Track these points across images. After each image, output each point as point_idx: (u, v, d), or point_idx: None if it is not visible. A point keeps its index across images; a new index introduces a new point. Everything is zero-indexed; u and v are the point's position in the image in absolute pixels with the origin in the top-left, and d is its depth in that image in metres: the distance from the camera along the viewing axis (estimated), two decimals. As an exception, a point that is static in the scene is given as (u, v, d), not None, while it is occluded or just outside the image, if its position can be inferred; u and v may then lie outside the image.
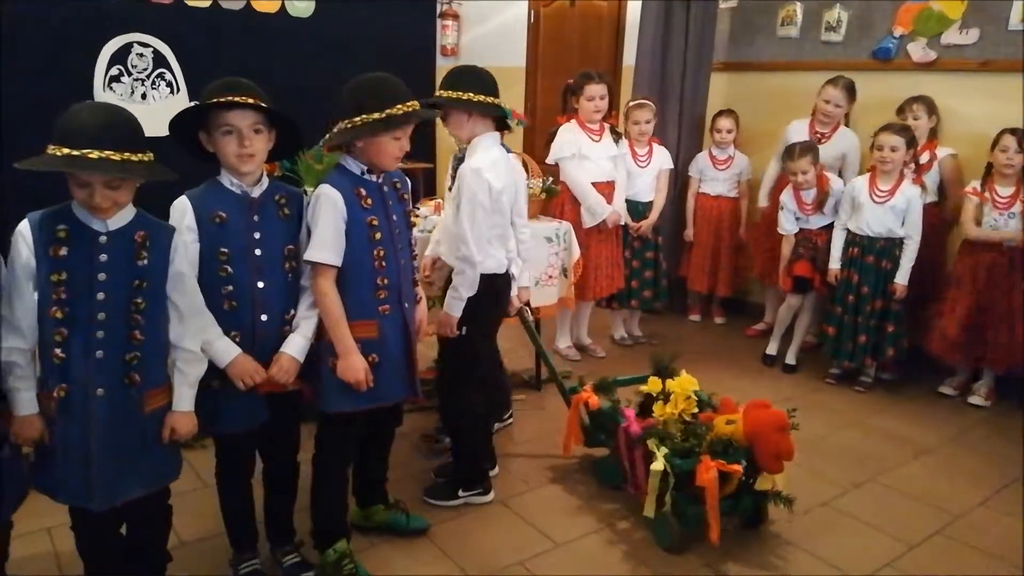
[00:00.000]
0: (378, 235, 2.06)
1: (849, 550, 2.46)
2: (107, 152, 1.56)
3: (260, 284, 1.94)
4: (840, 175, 4.02)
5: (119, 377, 1.67)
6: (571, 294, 3.64)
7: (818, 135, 4.09)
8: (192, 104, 1.84)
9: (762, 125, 4.56)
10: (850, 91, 4.02)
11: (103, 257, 1.66)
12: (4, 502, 1.71)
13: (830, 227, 3.86)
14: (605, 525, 2.55)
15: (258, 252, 1.93)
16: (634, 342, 4.39)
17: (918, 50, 4.01)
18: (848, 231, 3.74)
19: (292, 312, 2.01)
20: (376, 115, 1.97)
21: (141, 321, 1.68)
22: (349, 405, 2.09)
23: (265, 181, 1.97)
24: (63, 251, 1.63)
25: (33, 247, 1.63)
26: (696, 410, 2.56)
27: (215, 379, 1.90)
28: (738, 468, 2.36)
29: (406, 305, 2.14)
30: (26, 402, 1.67)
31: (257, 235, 1.94)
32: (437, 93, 2.49)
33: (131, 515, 1.83)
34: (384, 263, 2.08)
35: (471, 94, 2.40)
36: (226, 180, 1.92)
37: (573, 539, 2.47)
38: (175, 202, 1.88)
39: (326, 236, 1.97)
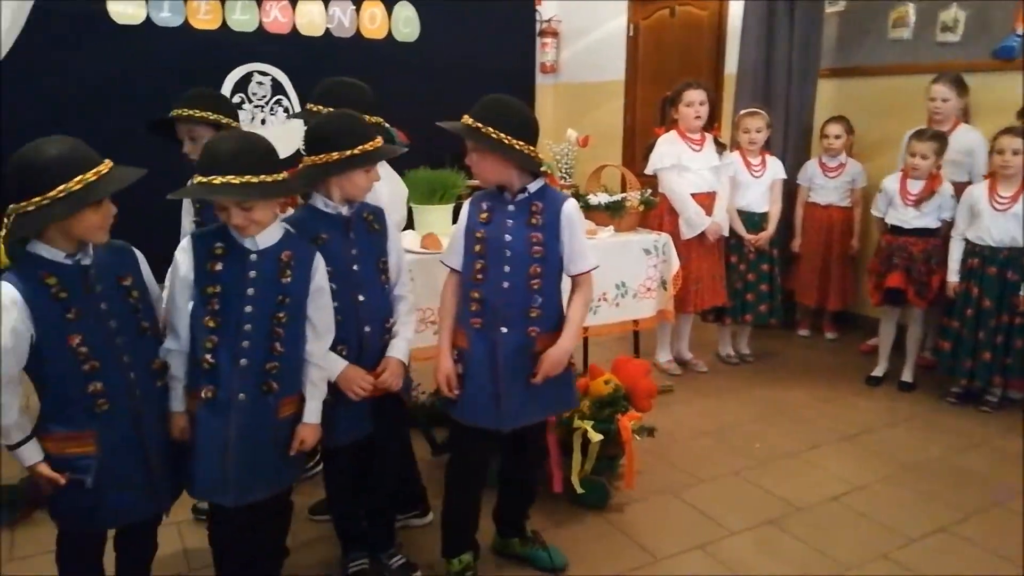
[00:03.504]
0: (477, 247, 2.09)
1: (971, 578, 2.33)
2: (229, 177, 1.71)
3: (361, 298, 2.04)
4: (969, 176, 3.82)
5: (259, 384, 1.80)
6: (671, 307, 3.60)
7: None
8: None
9: (874, 131, 4.39)
10: (957, 84, 3.82)
11: (252, 273, 1.80)
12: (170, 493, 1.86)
13: (926, 235, 3.67)
14: (721, 535, 2.52)
15: (356, 267, 2.03)
16: (740, 360, 4.29)
17: (1045, 47, 3.77)
18: (967, 241, 3.54)
19: (392, 320, 2.12)
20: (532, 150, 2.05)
21: (282, 334, 1.81)
22: (457, 414, 2.15)
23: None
24: (218, 266, 1.80)
25: (192, 261, 1.80)
26: None
27: (328, 394, 1.99)
28: (640, 415, 2.73)
29: (503, 330, 2.08)
30: (175, 400, 1.84)
31: (354, 251, 2.04)
32: (313, 107, 2.27)
33: (259, 509, 1.95)
34: (481, 276, 2.09)
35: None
36: (320, 203, 2.02)
37: (674, 553, 2.45)
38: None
39: (452, 243, 2.18)
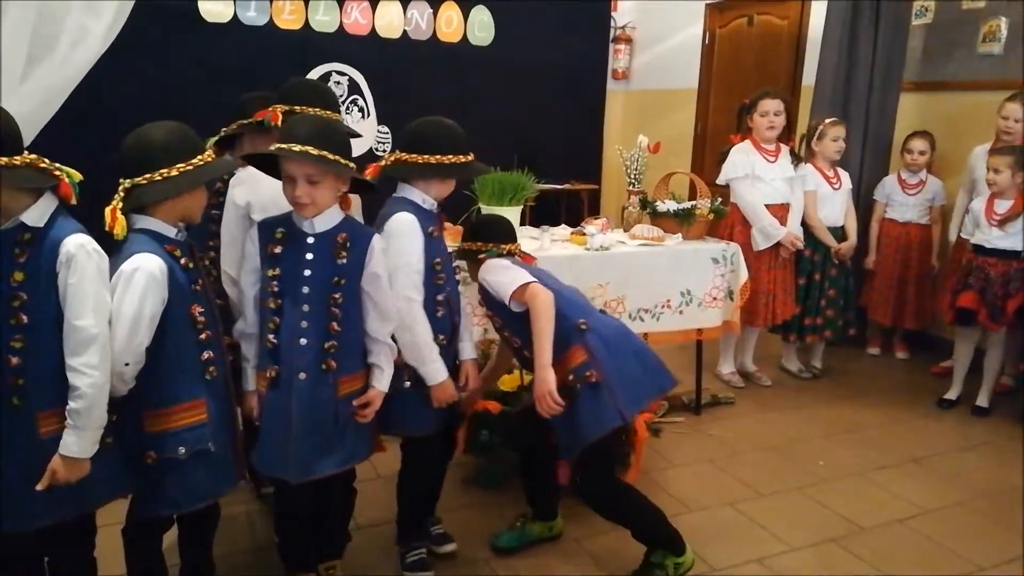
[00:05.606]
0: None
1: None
2: (308, 147, 1.77)
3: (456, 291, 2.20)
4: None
5: (318, 363, 1.87)
6: (737, 318, 3.55)
7: None
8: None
9: (957, 149, 4.23)
10: None
11: (309, 256, 1.87)
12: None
13: (1008, 257, 3.51)
14: (773, 551, 2.48)
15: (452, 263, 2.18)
16: (811, 374, 4.19)
17: None
18: (1057, 262, 3.39)
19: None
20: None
21: (339, 314, 1.87)
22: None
23: None
24: (278, 249, 1.88)
25: (258, 246, 1.89)
26: None
27: (406, 379, 2.06)
28: (652, 414, 2.96)
29: None
30: (248, 380, 1.94)
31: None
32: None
33: (323, 490, 2.02)
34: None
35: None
36: (418, 199, 2.08)
37: (731, 565, 2.42)
38: (402, 216, 2.02)
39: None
